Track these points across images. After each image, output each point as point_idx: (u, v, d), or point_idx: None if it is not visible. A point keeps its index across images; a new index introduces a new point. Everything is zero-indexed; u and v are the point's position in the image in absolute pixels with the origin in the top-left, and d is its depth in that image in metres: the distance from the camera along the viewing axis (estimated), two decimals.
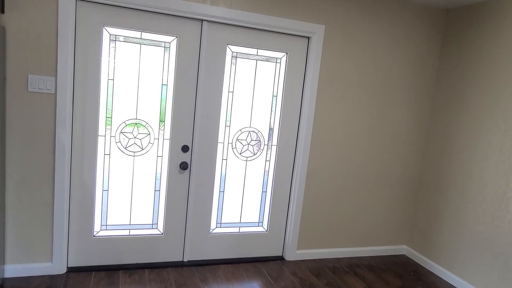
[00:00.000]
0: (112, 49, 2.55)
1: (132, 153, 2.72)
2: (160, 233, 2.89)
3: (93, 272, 2.71)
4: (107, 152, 2.66)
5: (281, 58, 2.98)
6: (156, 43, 2.64)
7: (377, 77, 3.21)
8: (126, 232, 2.80)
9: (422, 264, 3.41)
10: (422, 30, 3.27)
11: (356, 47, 3.10)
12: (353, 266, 3.27)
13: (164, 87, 2.72)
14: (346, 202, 3.35)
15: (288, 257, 3.24)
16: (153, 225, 2.87)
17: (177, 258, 2.96)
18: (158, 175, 2.81)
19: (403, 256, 3.60)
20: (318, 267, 3.19)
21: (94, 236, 2.72)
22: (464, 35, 3.12)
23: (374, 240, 3.53)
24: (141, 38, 2.60)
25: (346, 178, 3.30)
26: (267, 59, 2.94)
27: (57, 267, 2.60)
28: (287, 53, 2.97)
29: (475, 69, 3.00)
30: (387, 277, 3.14)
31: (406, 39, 3.23)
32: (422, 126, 3.45)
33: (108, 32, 2.52)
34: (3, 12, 2.22)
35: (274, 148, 3.09)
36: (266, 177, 3.12)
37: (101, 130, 2.61)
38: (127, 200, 2.77)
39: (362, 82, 3.17)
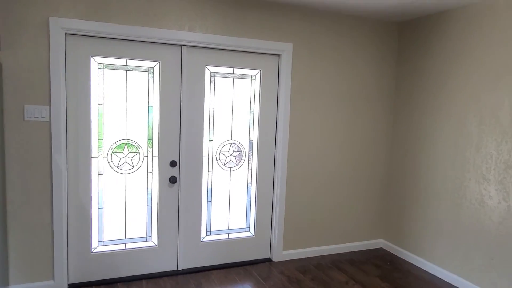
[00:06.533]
0: (100, 77, 2.77)
1: (124, 171, 2.92)
2: (154, 244, 3.07)
3: (93, 287, 2.85)
4: (100, 172, 2.84)
5: (255, 75, 3.27)
6: (140, 69, 2.88)
7: (343, 87, 3.55)
8: (122, 246, 2.97)
9: (397, 255, 3.72)
10: (379, 42, 3.65)
11: (322, 61, 3.44)
12: (335, 261, 3.54)
13: (150, 108, 2.95)
14: (325, 204, 3.63)
15: (276, 258, 3.47)
16: (147, 237, 3.05)
17: (171, 267, 3.14)
18: (150, 190, 3.01)
19: (381, 249, 3.90)
20: (304, 265, 3.44)
21: (92, 252, 2.88)
22: (415, 45, 3.52)
23: (353, 236, 3.82)
24: (126, 65, 2.84)
25: (323, 181, 3.60)
26: (243, 77, 3.23)
27: (59, 285, 2.74)
28: (260, 70, 3.26)
29: (427, 75, 3.39)
30: (367, 268, 3.42)
31: (365, 51, 3.60)
32: (387, 128, 3.81)
33: (96, 61, 2.75)
34: None
35: (254, 158, 3.35)
36: (249, 185, 3.37)
37: (94, 152, 2.81)
38: (122, 215, 2.95)
39: (330, 93, 3.51)
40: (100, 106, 2.80)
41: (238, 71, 3.20)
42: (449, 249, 3.18)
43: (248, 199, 3.38)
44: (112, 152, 2.87)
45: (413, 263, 3.53)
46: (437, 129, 3.29)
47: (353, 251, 3.81)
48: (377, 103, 3.72)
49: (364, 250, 3.86)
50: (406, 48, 3.64)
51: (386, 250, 3.86)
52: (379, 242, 3.93)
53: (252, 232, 3.43)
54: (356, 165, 3.72)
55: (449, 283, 3.15)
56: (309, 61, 3.38)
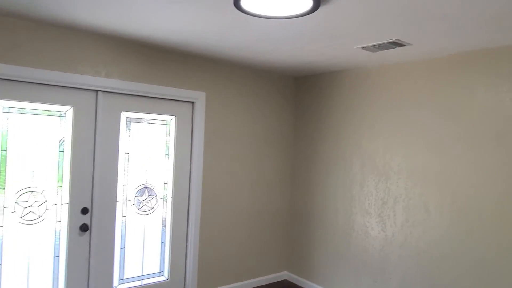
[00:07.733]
0: (5, 121, 2.59)
1: (29, 222, 2.70)
2: None
3: None
4: (0, 224, 2.59)
5: (170, 121, 3.41)
6: (51, 113, 2.78)
7: (250, 133, 3.92)
8: None
9: (300, 285, 4.10)
10: (279, 93, 4.16)
11: (231, 109, 3.76)
12: None
13: (61, 153, 2.83)
14: (235, 241, 3.85)
15: None
16: None
17: None
18: (57, 240, 2.83)
19: (285, 280, 4.24)
20: None
21: None
22: (309, 97, 4.12)
23: (262, 271, 4.08)
24: (36, 109, 2.71)
25: (234, 220, 3.83)
26: (159, 122, 3.34)
27: None
28: (175, 116, 3.42)
29: (319, 123, 3.98)
30: None
31: (267, 101, 4.06)
32: (289, 169, 4.27)
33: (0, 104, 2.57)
34: None
35: (169, 201, 3.42)
36: (164, 228, 3.40)
37: None
38: (24, 272, 2.69)
39: (239, 138, 3.83)
40: (4, 152, 2.60)
41: (154, 116, 3.30)
42: (343, 275, 3.66)
43: (163, 242, 3.40)
44: (15, 202, 2.65)
45: None
46: (329, 169, 3.85)
47: (262, 285, 4.06)
48: (279, 146, 4.18)
49: (271, 282, 4.14)
50: (302, 100, 4.21)
51: (290, 281, 4.21)
52: (283, 274, 4.27)
53: (167, 275, 3.42)
54: (263, 203, 4.06)
55: None
56: (220, 109, 3.67)
